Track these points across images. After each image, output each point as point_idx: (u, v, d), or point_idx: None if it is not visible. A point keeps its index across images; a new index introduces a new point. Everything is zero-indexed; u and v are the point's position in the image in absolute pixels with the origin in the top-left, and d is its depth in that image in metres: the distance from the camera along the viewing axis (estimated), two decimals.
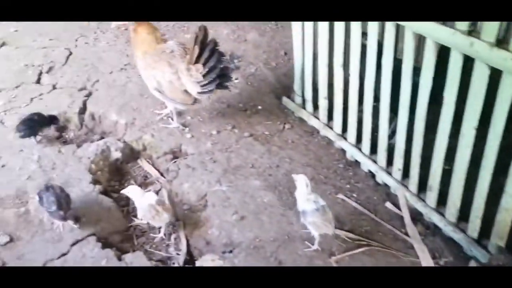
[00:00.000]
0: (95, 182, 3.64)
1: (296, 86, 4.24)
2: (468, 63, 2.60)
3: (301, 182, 3.04)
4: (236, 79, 4.75)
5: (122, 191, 3.36)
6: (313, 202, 2.98)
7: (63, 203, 3.15)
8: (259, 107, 4.45)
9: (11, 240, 3.18)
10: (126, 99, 4.47)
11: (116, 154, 3.96)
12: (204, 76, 3.66)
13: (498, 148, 2.60)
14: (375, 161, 3.58)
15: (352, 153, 3.77)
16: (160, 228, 3.36)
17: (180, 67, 3.73)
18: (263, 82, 4.80)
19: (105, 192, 3.59)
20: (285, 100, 4.42)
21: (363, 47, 3.31)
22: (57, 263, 3.02)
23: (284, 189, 3.50)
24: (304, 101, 4.21)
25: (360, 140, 3.69)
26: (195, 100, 3.87)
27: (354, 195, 3.50)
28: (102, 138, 4.23)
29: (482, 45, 2.41)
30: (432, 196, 3.16)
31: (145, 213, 3.21)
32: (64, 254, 3.08)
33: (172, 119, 4.17)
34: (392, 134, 3.38)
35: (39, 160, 3.79)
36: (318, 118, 4.07)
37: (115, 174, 3.91)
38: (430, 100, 2.91)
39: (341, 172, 3.72)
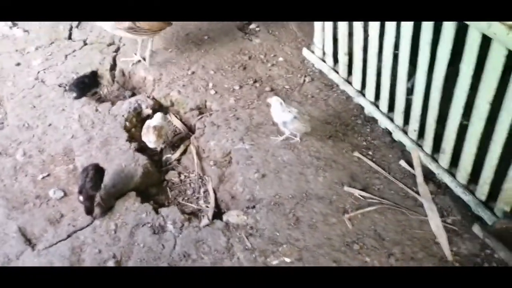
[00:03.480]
0: (130, 139, 3.73)
1: (317, 39, 4.02)
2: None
3: (276, 102, 3.40)
4: (257, 27, 4.54)
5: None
6: (289, 112, 3.35)
7: (83, 189, 3.11)
8: (280, 59, 4.30)
9: (65, 194, 3.34)
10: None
11: (147, 111, 3.99)
12: None
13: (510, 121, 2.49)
14: (392, 120, 3.47)
15: (370, 110, 3.65)
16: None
17: None
18: (284, 30, 4.57)
19: (140, 149, 3.67)
20: (305, 51, 4.23)
21: None
22: (106, 217, 3.15)
23: (302, 147, 3.49)
24: (324, 54, 4.02)
25: (378, 97, 3.56)
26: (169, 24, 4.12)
27: (370, 152, 3.46)
28: (133, 94, 4.26)
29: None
30: (445, 158, 3.09)
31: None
32: (110, 208, 3.22)
33: (136, 54, 4.29)
34: (410, 89, 3.21)
35: (79, 119, 3.87)
36: (337, 72, 3.91)
37: None
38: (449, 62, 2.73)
39: (358, 129, 3.64)
